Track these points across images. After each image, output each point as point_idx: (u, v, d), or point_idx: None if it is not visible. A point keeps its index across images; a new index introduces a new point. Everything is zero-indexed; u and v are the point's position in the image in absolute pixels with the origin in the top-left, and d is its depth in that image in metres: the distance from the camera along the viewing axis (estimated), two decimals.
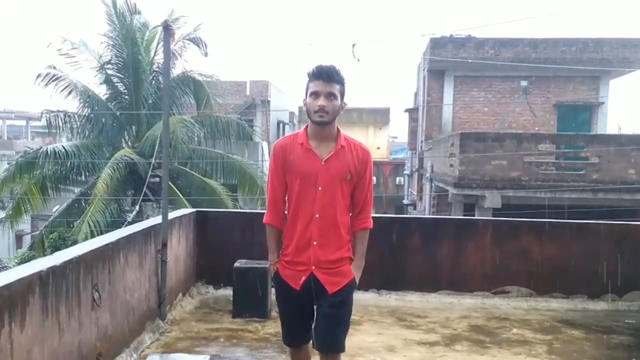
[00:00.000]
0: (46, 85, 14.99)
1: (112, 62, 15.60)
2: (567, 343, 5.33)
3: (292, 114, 32.26)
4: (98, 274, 4.05)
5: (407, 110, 25.30)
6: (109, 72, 15.70)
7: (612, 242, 6.74)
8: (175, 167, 14.76)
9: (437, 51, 19.61)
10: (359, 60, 17.90)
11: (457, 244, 6.80)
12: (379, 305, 6.39)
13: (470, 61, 18.91)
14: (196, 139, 15.62)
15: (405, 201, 26.13)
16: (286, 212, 3.18)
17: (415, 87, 25.58)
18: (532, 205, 13.51)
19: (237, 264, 5.90)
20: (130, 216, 13.97)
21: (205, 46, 15.90)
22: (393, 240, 6.74)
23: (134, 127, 16.05)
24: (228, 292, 6.26)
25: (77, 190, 16.10)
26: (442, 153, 16.84)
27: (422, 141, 21.90)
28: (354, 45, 14.11)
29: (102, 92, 15.94)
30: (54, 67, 15.20)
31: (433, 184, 19.09)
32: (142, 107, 15.37)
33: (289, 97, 32.29)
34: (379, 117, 36.56)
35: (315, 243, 3.04)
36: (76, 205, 15.18)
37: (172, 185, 13.51)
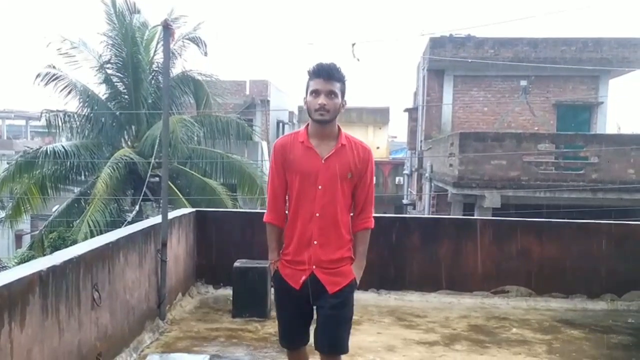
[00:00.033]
0: (46, 84, 15.01)
1: (111, 61, 15.60)
2: (567, 343, 5.33)
3: (291, 113, 32.26)
4: (98, 273, 4.05)
5: (406, 109, 25.30)
6: (109, 71, 15.70)
7: (612, 241, 6.74)
8: (174, 166, 14.77)
9: (436, 51, 19.62)
10: (358, 59, 17.88)
11: (456, 243, 6.80)
12: (378, 305, 6.40)
13: (469, 61, 18.92)
14: (196, 138, 15.64)
15: (404, 201, 26.15)
16: (287, 211, 3.16)
17: (415, 87, 25.59)
18: (531, 205, 13.53)
19: (236, 264, 5.90)
20: (130, 216, 13.97)
21: (205, 46, 15.92)
22: (392, 240, 6.74)
23: (133, 127, 16.06)
24: (228, 291, 6.26)
25: (76, 190, 16.11)
26: (442, 153, 16.85)
27: (421, 141, 21.91)
28: (353, 44, 14.11)
29: (101, 91, 15.96)
30: (54, 67, 15.20)
31: (432, 184, 19.09)
32: (141, 107, 15.38)
33: (289, 96, 32.30)
34: (378, 116, 36.55)
35: (315, 242, 3.02)
36: (76, 205, 15.18)
37: (171, 185, 13.52)
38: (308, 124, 3.09)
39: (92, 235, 11.51)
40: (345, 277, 3.07)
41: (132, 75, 15.21)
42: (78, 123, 15.69)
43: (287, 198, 3.16)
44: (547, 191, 13.66)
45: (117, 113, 15.87)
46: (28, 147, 17.40)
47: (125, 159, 14.07)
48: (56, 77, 15.13)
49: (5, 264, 16.80)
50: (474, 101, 20.34)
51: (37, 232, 16.19)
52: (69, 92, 15.31)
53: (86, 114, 15.66)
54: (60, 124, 15.45)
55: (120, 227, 7.51)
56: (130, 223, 8.11)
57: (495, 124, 19.69)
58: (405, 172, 27.77)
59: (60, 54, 15.27)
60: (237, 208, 14.66)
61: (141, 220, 8.66)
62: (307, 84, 3.02)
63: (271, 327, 5.44)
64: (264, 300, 5.74)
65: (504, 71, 19.56)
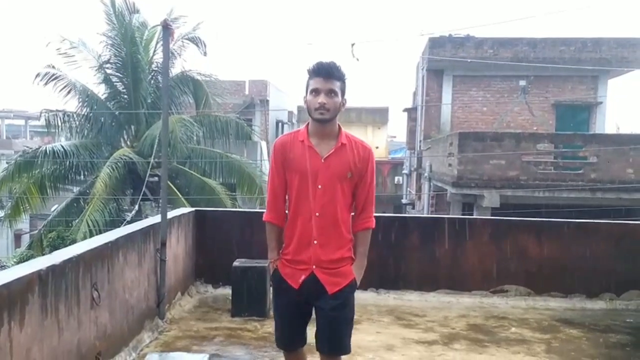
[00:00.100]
0: (45, 84, 15.02)
1: (111, 61, 15.60)
2: (566, 342, 5.34)
3: (291, 113, 32.25)
4: (97, 273, 4.05)
5: (405, 109, 25.30)
6: (108, 71, 15.71)
7: (611, 241, 6.76)
8: (174, 166, 14.78)
9: (435, 51, 19.62)
10: (358, 59, 17.92)
11: (455, 243, 6.81)
12: (377, 304, 6.40)
13: (469, 61, 18.93)
14: (195, 138, 15.65)
15: (403, 200, 26.15)
16: (286, 210, 3.13)
17: (414, 87, 25.59)
18: (530, 205, 13.53)
19: (236, 263, 5.91)
20: (129, 215, 13.97)
21: (205, 46, 15.93)
22: (392, 239, 6.75)
23: (132, 127, 16.06)
24: (227, 291, 6.27)
25: (75, 189, 16.11)
26: (441, 152, 16.85)
27: (420, 141, 21.91)
28: (353, 44, 14.14)
29: (101, 91, 15.97)
30: (53, 67, 15.21)
31: (431, 184, 19.10)
32: (141, 107, 15.39)
33: (288, 96, 32.31)
34: (377, 116, 36.54)
35: (315, 242, 2.99)
36: (75, 204, 15.19)
37: (171, 184, 13.52)
38: (308, 123, 3.06)
39: (91, 235, 11.51)
40: (345, 277, 3.04)
41: (131, 75, 15.21)
42: (77, 123, 15.70)
43: (287, 197, 3.14)
44: (546, 191, 13.67)
45: (117, 113, 15.88)
46: (27, 146, 17.41)
47: (125, 159, 14.08)
48: (55, 76, 15.14)
49: (4, 264, 16.79)
50: (473, 101, 20.35)
51: (36, 231, 16.19)
52: (69, 92, 15.33)
53: (85, 113, 15.67)
54: (59, 124, 15.46)
55: (119, 226, 7.51)
56: (129, 223, 8.11)
57: (494, 123, 19.70)
58: (405, 171, 27.78)
59: (60, 54, 15.30)
60: (236, 208, 14.66)
61: (140, 219, 8.66)
62: (306, 82, 2.99)
63: (270, 326, 5.43)
64: (263, 300, 5.74)
65: (503, 71, 19.57)
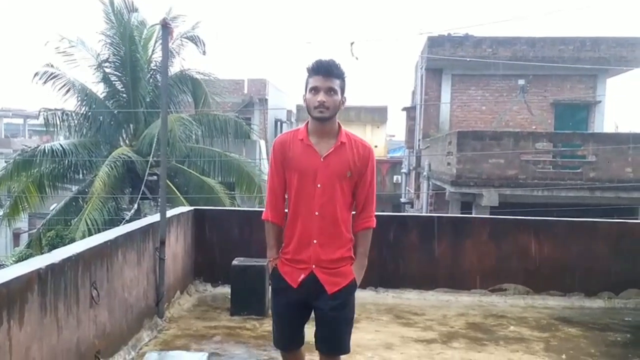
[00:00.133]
0: (44, 83, 15.01)
1: (109, 60, 15.59)
2: (564, 340, 5.35)
3: (289, 112, 32.27)
4: (96, 271, 4.05)
5: (404, 108, 25.31)
6: (107, 70, 15.70)
7: (609, 240, 6.77)
8: (173, 165, 14.77)
9: (434, 50, 19.61)
10: (357, 58, 17.89)
11: (454, 242, 6.82)
12: (376, 302, 6.41)
13: (468, 60, 18.92)
14: (194, 137, 15.64)
15: (402, 199, 26.18)
16: (286, 209, 3.11)
17: (413, 86, 25.60)
18: (529, 204, 13.55)
19: (235, 262, 5.91)
20: (128, 214, 13.97)
21: (203, 44, 15.91)
22: (390, 238, 6.77)
23: (131, 126, 16.05)
24: (226, 289, 6.27)
25: (74, 188, 16.11)
26: (440, 151, 16.86)
27: (419, 140, 21.92)
28: (352, 43, 14.13)
29: (99, 90, 15.96)
30: (52, 65, 15.20)
31: (430, 182, 19.11)
32: (139, 106, 15.38)
33: (287, 95, 32.30)
34: (376, 115, 36.58)
35: (315, 241, 2.97)
36: (74, 203, 15.20)
37: (169, 183, 13.52)
38: (308, 122, 3.03)
39: (90, 234, 11.50)
40: (345, 277, 3.02)
41: (130, 73, 15.21)
42: (76, 122, 15.69)
43: (286, 196, 3.12)
44: (544, 190, 13.68)
45: (115, 112, 15.87)
46: (26, 145, 17.41)
47: (123, 158, 14.07)
48: (54, 75, 15.13)
49: (3, 262, 16.78)
50: (472, 100, 20.36)
51: (35, 230, 16.18)
52: (67, 91, 15.32)
53: (84, 112, 15.65)
54: (58, 123, 15.45)
55: (118, 225, 7.51)
56: (128, 221, 8.11)
57: (493, 122, 19.70)
58: (403, 170, 27.80)
59: (59, 53, 15.30)
60: (235, 206, 14.66)
61: (139, 218, 8.66)
62: (306, 81, 2.97)
63: (269, 325, 5.42)
64: (262, 299, 5.74)
65: (502, 70, 19.55)
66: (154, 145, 12.33)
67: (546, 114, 20.01)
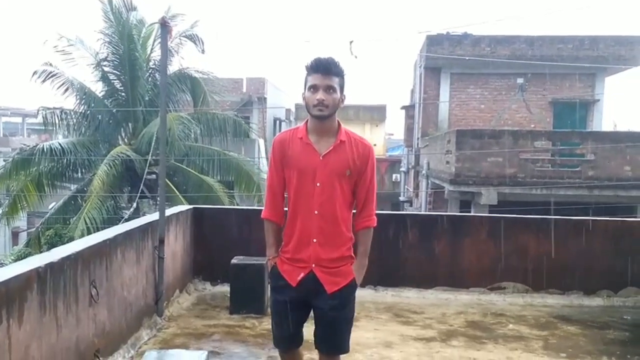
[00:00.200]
0: (43, 82, 14.98)
1: (108, 59, 15.58)
2: (563, 339, 5.35)
3: (288, 111, 32.25)
4: (95, 270, 4.05)
5: (403, 107, 25.32)
6: (106, 69, 15.68)
7: (608, 238, 6.78)
8: (171, 164, 14.75)
9: (433, 48, 19.62)
10: (356, 57, 17.89)
11: (453, 240, 6.82)
12: (375, 301, 6.41)
13: (466, 58, 18.93)
14: (193, 136, 15.63)
15: (401, 198, 26.18)
16: (286, 208, 3.10)
17: (412, 85, 25.60)
18: (528, 202, 13.56)
19: (234, 261, 5.91)
20: (126, 213, 13.97)
21: (202, 43, 15.90)
22: (390, 236, 6.77)
23: (130, 124, 16.03)
24: (225, 288, 6.27)
25: (73, 187, 16.08)
26: (439, 150, 16.87)
27: (418, 138, 21.93)
28: (351, 42, 14.14)
29: (98, 89, 15.93)
30: (51, 64, 15.18)
31: (429, 181, 19.13)
32: (138, 104, 15.37)
33: (286, 94, 32.29)
34: (375, 114, 36.58)
35: (315, 240, 2.95)
36: (72, 202, 15.17)
37: (168, 182, 13.50)
38: (307, 120, 3.01)
39: (89, 233, 11.49)
40: (344, 277, 3.00)
41: (129, 72, 15.19)
42: (75, 120, 15.68)
43: (286, 195, 3.10)
44: (543, 188, 13.70)
45: (114, 110, 15.85)
46: (24, 144, 17.40)
47: (122, 156, 14.06)
48: (53, 74, 15.11)
49: (2, 261, 16.78)
50: (471, 99, 20.37)
51: (34, 229, 16.16)
52: (66, 90, 15.30)
53: (83, 111, 15.63)
54: (57, 122, 15.42)
55: (117, 224, 7.51)
56: (127, 220, 8.11)
57: (491, 121, 19.72)
58: (402, 169, 27.80)
59: (57, 52, 15.27)
60: (234, 205, 14.65)
61: (138, 217, 8.66)
62: (305, 79, 2.94)
63: (268, 323, 5.41)
64: (262, 297, 5.74)
65: (500, 69, 19.58)
66: (153, 144, 12.35)
67: (545, 113, 20.03)
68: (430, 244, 6.82)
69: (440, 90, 20.45)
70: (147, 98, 15.67)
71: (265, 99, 27.13)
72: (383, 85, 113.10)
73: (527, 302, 6.54)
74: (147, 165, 11.56)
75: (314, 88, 2.89)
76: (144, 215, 11.38)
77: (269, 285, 3.25)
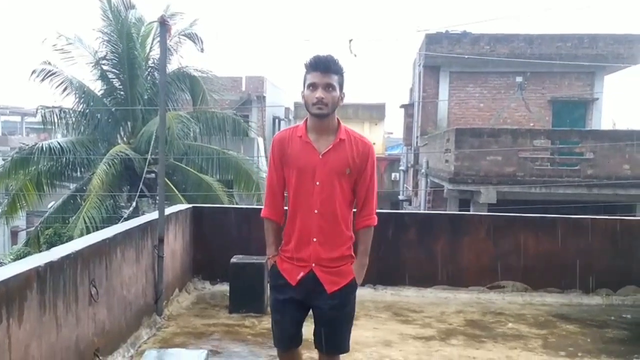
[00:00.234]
0: (41, 81, 14.96)
1: (107, 57, 15.56)
2: (562, 337, 5.36)
3: (287, 109, 32.24)
4: (95, 269, 4.05)
5: (402, 106, 25.32)
6: (105, 67, 15.67)
7: (607, 237, 6.78)
8: (171, 163, 14.74)
9: (432, 47, 19.62)
10: (355, 55, 17.89)
11: (452, 239, 6.82)
12: (375, 300, 6.41)
13: (465, 57, 18.94)
14: (192, 134, 15.64)
15: (400, 197, 26.18)
16: (286, 207, 3.08)
17: (411, 83, 25.60)
18: (527, 201, 13.57)
19: (233, 260, 5.91)
20: (126, 212, 13.96)
21: (201, 42, 15.89)
22: (389, 235, 6.77)
23: (129, 123, 16.02)
24: (224, 287, 6.27)
25: (72, 186, 16.07)
26: (438, 149, 16.88)
27: (417, 137, 21.93)
28: (350, 40, 14.16)
29: (97, 87, 15.91)
30: (49, 63, 15.16)
31: (428, 180, 19.13)
32: (137, 103, 15.36)
33: (285, 92, 32.28)
34: (374, 112, 36.56)
35: (315, 240, 2.94)
36: (71, 201, 15.17)
37: (167, 181, 13.50)
38: (307, 118, 2.99)
39: (88, 232, 11.49)
40: (344, 277, 2.99)
41: (128, 71, 15.18)
42: (74, 119, 15.66)
43: (286, 194, 3.08)
44: (542, 187, 13.71)
45: (113, 109, 15.83)
46: (23, 143, 17.40)
47: (121, 155, 14.06)
48: (52, 73, 15.08)
49: (1, 261, 16.78)
50: (470, 97, 20.37)
51: (33, 228, 16.16)
52: (65, 89, 15.27)
53: (82, 110, 15.61)
54: (55, 120, 15.40)
55: (116, 223, 7.50)
56: (126, 219, 8.11)
57: (491, 120, 19.73)
58: (401, 168, 27.80)
59: (56, 50, 15.25)
60: (233, 204, 14.65)
61: (137, 216, 8.66)
62: (304, 77, 2.92)
63: (268, 322, 5.42)
64: (261, 296, 5.74)
65: (499, 67, 19.58)
66: (152, 142, 12.28)
67: (544, 111, 20.04)
68: (430, 243, 6.82)
69: (440, 89, 20.46)
70: (146, 97, 15.66)
71: (264, 97, 27.11)
72: (382, 84, 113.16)
73: (526, 300, 6.55)
74: (147, 164, 11.53)
75: (313, 86, 2.87)
76: (143, 214, 11.37)
77: (268, 284, 3.24)
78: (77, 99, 15.46)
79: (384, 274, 6.67)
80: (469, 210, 13.96)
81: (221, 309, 5.94)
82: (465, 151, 14.03)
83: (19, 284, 3.06)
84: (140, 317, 4.98)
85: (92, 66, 15.55)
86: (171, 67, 15.85)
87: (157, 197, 5.83)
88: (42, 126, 16.56)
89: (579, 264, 6.71)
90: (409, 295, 6.65)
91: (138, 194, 12.10)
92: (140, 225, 5.16)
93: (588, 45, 19.25)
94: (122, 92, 15.73)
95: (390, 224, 6.82)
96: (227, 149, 16.28)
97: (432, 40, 19.70)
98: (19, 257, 13.43)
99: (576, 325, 5.73)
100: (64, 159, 14.59)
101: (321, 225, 2.94)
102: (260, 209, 3.21)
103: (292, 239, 3.00)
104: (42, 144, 14.76)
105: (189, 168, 15.29)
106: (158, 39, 6.12)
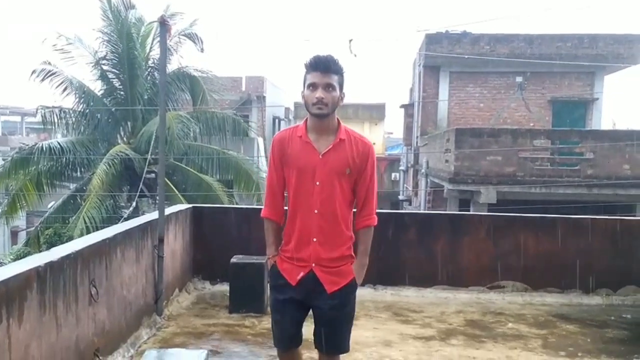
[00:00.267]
0: (41, 81, 14.96)
1: (107, 57, 15.56)
2: (562, 337, 5.36)
3: (287, 109, 32.24)
4: (95, 269, 4.05)
5: (402, 106, 25.32)
6: (105, 67, 15.67)
7: (607, 237, 6.78)
8: (171, 163, 14.74)
9: (432, 47, 19.62)
10: (355, 55, 17.89)
11: (452, 239, 6.82)
12: (375, 300, 6.41)
13: (465, 57, 18.94)
14: (192, 134, 15.64)
15: (400, 197, 26.18)
16: (286, 207, 3.08)
17: (411, 83, 25.60)
18: (527, 201, 13.57)
19: (233, 260, 5.91)
20: (126, 212, 13.96)
21: (201, 42, 15.89)
22: (389, 235, 6.77)
23: (129, 123, 16.02)
24: (224, 287, 6.27)
25: (72, 186, 16.07)
26: (438, 149, 16.88)
27: (417, 137, 21.93)
28: (350, 40, 14.16)
29: (97, 87, 15.91)
30: (49, 63, 15.16)
31: (428, 180, 19.13)
32: (137, 103, 15.36)
33: (285, 92, 32.28)
34: (374, 112, 36.56)
35: (315, 240, 2.93)
36: (71, 201, 15.17)
37: (167, 181, 13.50)
38: (307, 118, 2.99)
39: (88, 232, 11.49)
40: (344, 277, 2.99)
41: (128, 71, 15.18)
42: (74, 119, 15.66)
43: (286, 194, 3.08)
44: (542, 187, 13.71)
45: (113, 109, 15.83)
46: (23, 143, 17.39)
47: (121, 155, 14.06)
48: (52, 73, 15.08)
49: (1, 261, 16.78)
50: (470, 97, 20.37)
51: (33, 228, 16.16)
52: (65, 89, 15.27)
53: (82, 110, 15.61)
54: (55, 120, 15.40)
55: (116, 223, 7.50)
56: (126, 219, 8.11)
57: (491, 120, 19.73)
58: (401, 168, 27.80)
59: (56, 50, 15.25)
60: (233, 204, 14.64)
61: (137, 216, 8.66)
62: (304, 77, 2.92)
63: (268, 322, 5.42)
64: (261, 296, 5.74)
65: (499, 67, 19.59)
66: (152, 142, 12.28)
67: (544, 111, 20.04)
68: (430, 243, 6.82)
69: (440, 89, 20.46)
70: (146, 97, 15.67)
71: (264, 97, 27.12)
72: (382, 84, 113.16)
73: (526, 300, 6.55)
74: (147, 164, 11.53)
75: (313, 86, 2.87)
76: (143, 214, 11.37)
77: (268, 284, 3.24)
78: (77, 99, 15.46)
79: (384, 274, 6.67)
80: (469, 210, 13.97)
81: (221, 309, 5.94)
82: (465, 151, 14.03)
83: (19, 284, 3.06)
84: (140, 317, 4.98)
85: (92, 66, 15.55)
86: (171, 67, 15.86)
87: (157, 197, 5.83)
88: (42, 126, 16.56)
89: (579, 264, 6.71)
90: (409, 295, 6.65)
91: (138, 194, 12.10)
92: (140, 225, 5.16)
93: (588, 45, 19.25)
94: (122, 92, 15.73)
95: (390, 224, 6.82)
96: (227, 149, 16.28)
97: (432, 40, 19.70)
98: (19, 257, 13.43)
99: (576, 325, 5.73)
100: (64, 159, 14.59)
101: (321, 225, 2.94)
102: (260, 209, 3.21)
103: (292, 239, 3.00)
104: (42, 144, 14.76)
105: (189, 168, 15.29)
106: (158, 39, 6.12)
